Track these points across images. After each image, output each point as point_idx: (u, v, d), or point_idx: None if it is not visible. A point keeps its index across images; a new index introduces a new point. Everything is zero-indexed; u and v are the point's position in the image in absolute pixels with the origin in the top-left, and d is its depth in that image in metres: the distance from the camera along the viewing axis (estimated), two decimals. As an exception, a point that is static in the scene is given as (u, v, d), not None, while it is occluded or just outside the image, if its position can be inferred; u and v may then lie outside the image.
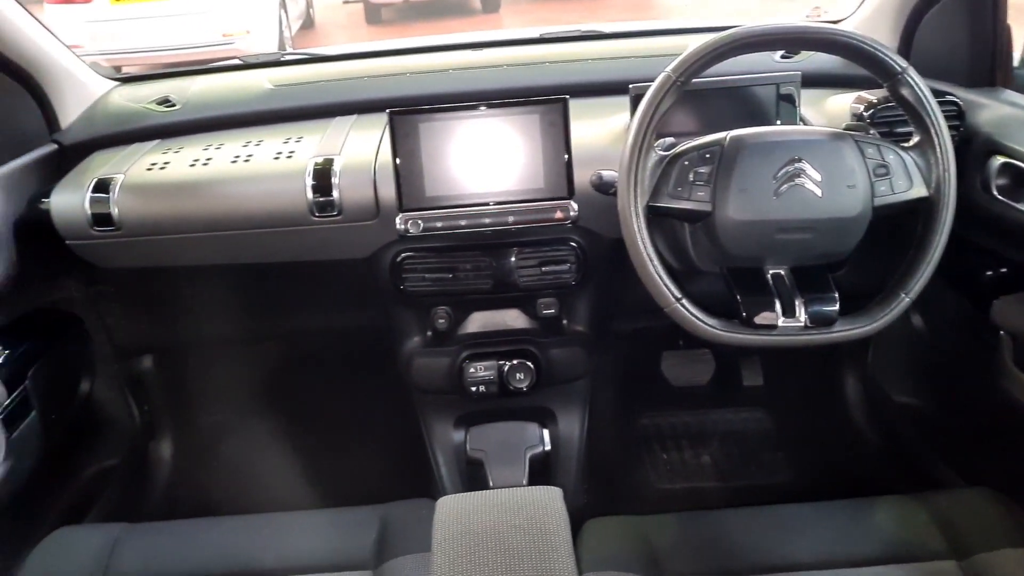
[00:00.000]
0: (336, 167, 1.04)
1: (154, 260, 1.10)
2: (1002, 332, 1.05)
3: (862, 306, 0.91)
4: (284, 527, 0.97)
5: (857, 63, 0.90)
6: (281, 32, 6.19)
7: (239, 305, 1.31)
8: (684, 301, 0.89)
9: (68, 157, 1.16)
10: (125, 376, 1.37)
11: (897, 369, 1.45)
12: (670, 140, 0.97)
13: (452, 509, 0.86)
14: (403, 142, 0.99)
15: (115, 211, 1.04)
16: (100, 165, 1.11)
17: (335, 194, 1.03)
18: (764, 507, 0.98)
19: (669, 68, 0.88)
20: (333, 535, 0.95)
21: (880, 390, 1.47)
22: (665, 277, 0.89)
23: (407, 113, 0.98)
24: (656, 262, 0.89)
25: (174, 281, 1.21)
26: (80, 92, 1.24)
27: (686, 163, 0.90)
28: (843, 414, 1.54)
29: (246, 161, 1.08)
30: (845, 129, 0.96)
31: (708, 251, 0.95)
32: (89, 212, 1.04)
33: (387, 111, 0.99)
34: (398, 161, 0.99)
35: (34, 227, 1.06)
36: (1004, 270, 1.07)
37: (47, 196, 1.06)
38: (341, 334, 1.45)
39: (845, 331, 0.89)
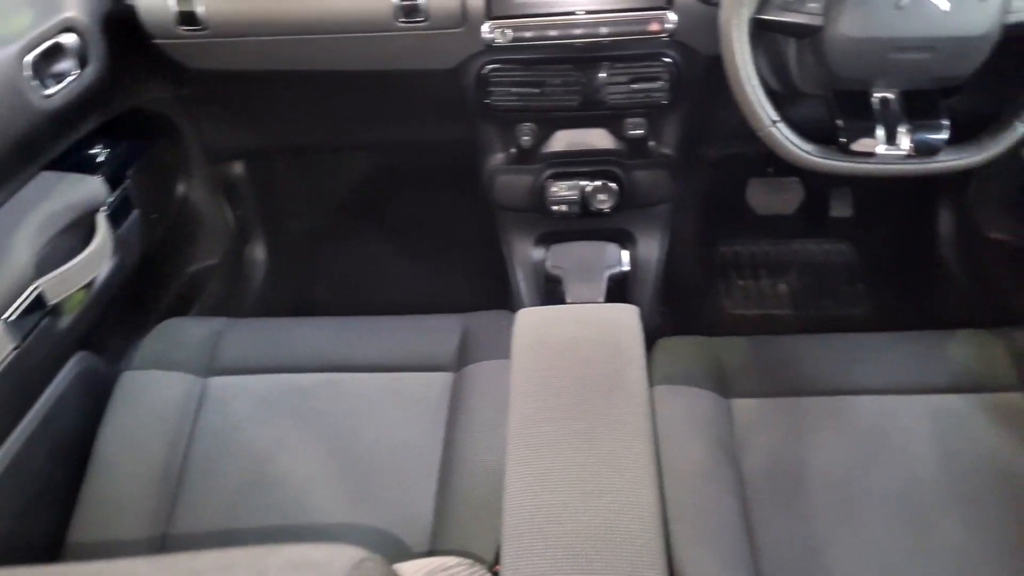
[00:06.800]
0: None
1: (241, 63, 1.10)
2: None
3: (971, 135, 0.85)
4: (372, 329, 1.04)
5: None
6: None
7: (326, 113, 1.32)
8: (780, 124, 0.85)
9: None
10: (218, 180, 1.42)
11: (996, 204, 1.37)
12: None
13: (531, 320, 0.90)
14: None
15: (200, 9, 1.02)
16: None
17: None
18: (836, 334, 0.99)
19: None
20: (418, 339, 1.01)
21: (974, 226, 1.41)
22: (762, 98, 0.84)
23: None
24: (754, 81, 0.84)
25: (262, 86, 1.22)
26: None
27: None
28: (931, 249, 1.50)
29: None
30: None
31: (813, 71, 0.88)
32: (174, 9, 1.03)
33: None
34: None
35: (122, 24, 1.06)
36: None
37: None
38: (428, 147, 1.45)
39: (949, 161, 0.84)
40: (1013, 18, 0.79)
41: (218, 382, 0.98)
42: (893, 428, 0.89)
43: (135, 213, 1.16)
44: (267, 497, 0.88)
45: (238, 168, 1.48)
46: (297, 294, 1.60)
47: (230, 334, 1.04)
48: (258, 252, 1.57)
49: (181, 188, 1.36)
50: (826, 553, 0.80)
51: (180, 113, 1.29)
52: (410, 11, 0.99)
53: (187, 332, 1.05)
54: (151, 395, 0.96)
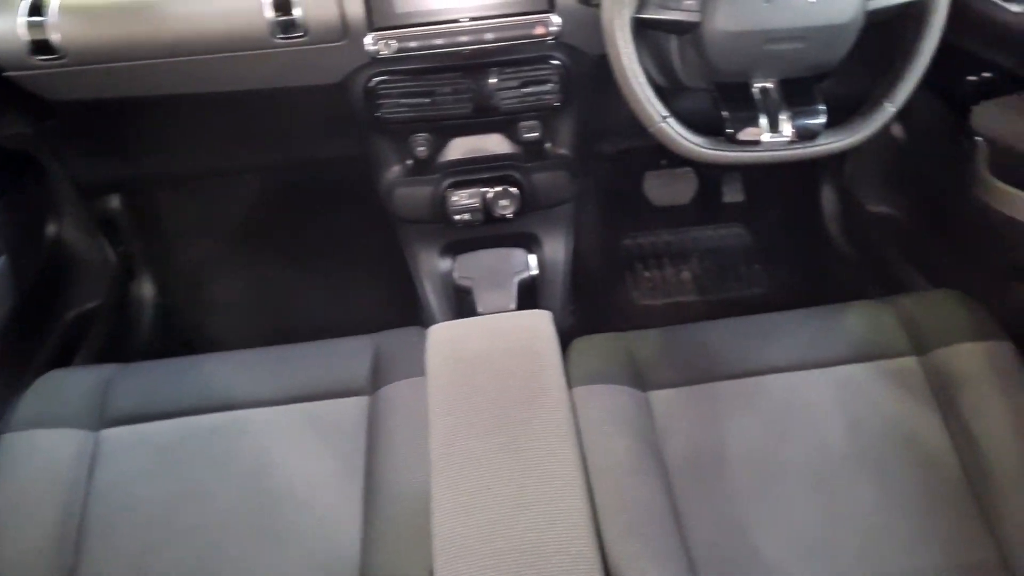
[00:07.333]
0: None
1: (108, 91, 1.03)
2: (979, 138, 1.05)
3: (844, 117, 0.89)
4: (278, 360, 1.00)
5: None
6: None
7: (208, 137, 1.25)
8: (670, 120, 0.86)
9: None
10: (94, 217, 1.33)
11: (873, 179, 1.46)
12: None
13: (444, 335, 0.89)
14: None
15: (55, 37, 0.95)
16: None
17: (297, 12, 0.95)
18: (741, 317, 1.02)
19: None
20: (329, 365, 0.98)
21: (855, 201, 1.49)
22: (651, 95, 0.85)
23: None
24: (641, 79, 0.85)
25: (134, 113, 1.14)
26: None
27: None
28: (819, 226, 1.58)
29: None
30: None
31: (695, 66, 0.91)
32: (26, 39, 0.95)
33: None
34: None
35: None
36: (987, 75, 1.05)
37: None
38: (321, 164, 1.40)
39: (828, 144, 0.88)
40: (874, 4, 0.84)
41: (112, 435, 0.91)
42: (801, 402, 0.93)
43: (1, 260, 1.07)
44: (178, 553, 0.82)
45: (115, 202, 1.39)
46: (193, 331, 1.52)
47: (121, 381, 0.97)
48: (146, 289, 1.47)
49: (52, 228, 1.26)
50: (750, 531, 0.83)
51: (44, 148, 1.20)
52: (287, 26, 0.96)
53: (72, 384, 0.97)
54: (36, 457, 0.88)
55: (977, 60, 1.03)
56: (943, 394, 0.92)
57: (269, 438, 0.90)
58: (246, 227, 1.61)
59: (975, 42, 0.99)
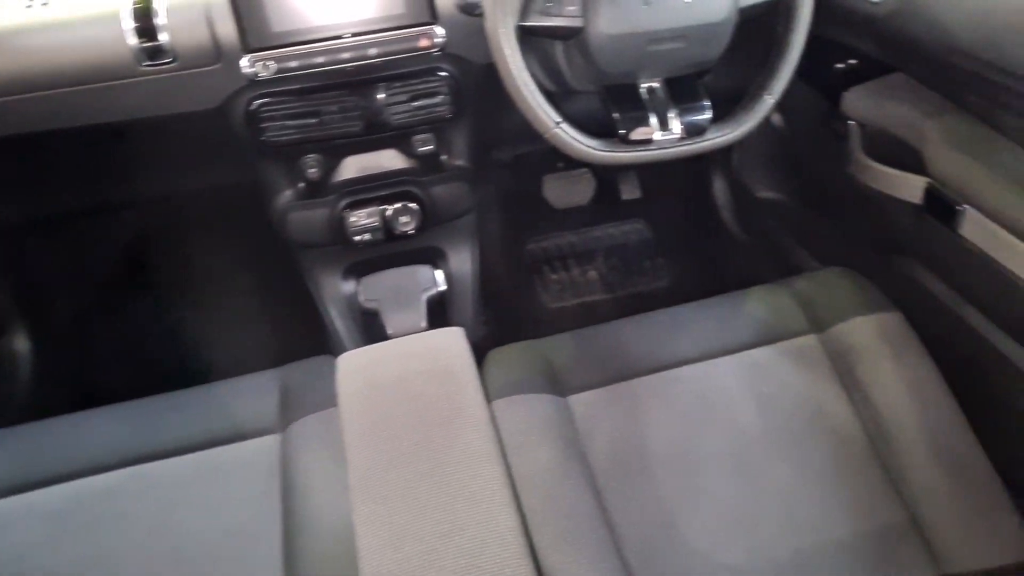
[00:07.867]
0: (158, 4, 0.90)
1: None
2: (851, 122, 1.11)
3: (728, 110, 0.92)
4: (177, 406, 0.93)
5: None
6: None
7: (78, 174, 1.16)
8: (563, 125, 0.86)
9: None
10: None
11: (759, 168, 1.53)
12: None
13: (354, 363, 0.85)
14: None
15: None
16: None
17: (163, 37, 0.90)
18: (649, 313, 1.04)
19: None
20: (233, 405, 0.92)
21: (745, 189, 1.55)
22: (542, 102, 0.85)
23: None
24: (531, 86, 0.85)
25: None
26: None
27: None
28: (713, 216, 1.63)
29: (44, 5, 0.91)
30: None
31: (583, 70, 0.92)
32: None
33: None
34: None
35: None
36: (853, 62, 1.12)
37: None
38: (208, 194, 1.33)
39: (716, 138, 0.90)
40: (745, 2, 0.87)
41: None
42: (713, 390, 0.95)
43: None
44: None
45: None
46: (78, 384, 1.41)
47: None
48: (19, 344, 1.36)
49: None
50: (677, 522, 0.84)
51: None
52: (154, 53, 0.90)
53: None
54: None
55: (844, 49, 1.08)
56: (843, 368, 0.96)
57: (174, 492, 0.84)
58: (131, 266, 1.51)
59: (841, 32, 1.05)
